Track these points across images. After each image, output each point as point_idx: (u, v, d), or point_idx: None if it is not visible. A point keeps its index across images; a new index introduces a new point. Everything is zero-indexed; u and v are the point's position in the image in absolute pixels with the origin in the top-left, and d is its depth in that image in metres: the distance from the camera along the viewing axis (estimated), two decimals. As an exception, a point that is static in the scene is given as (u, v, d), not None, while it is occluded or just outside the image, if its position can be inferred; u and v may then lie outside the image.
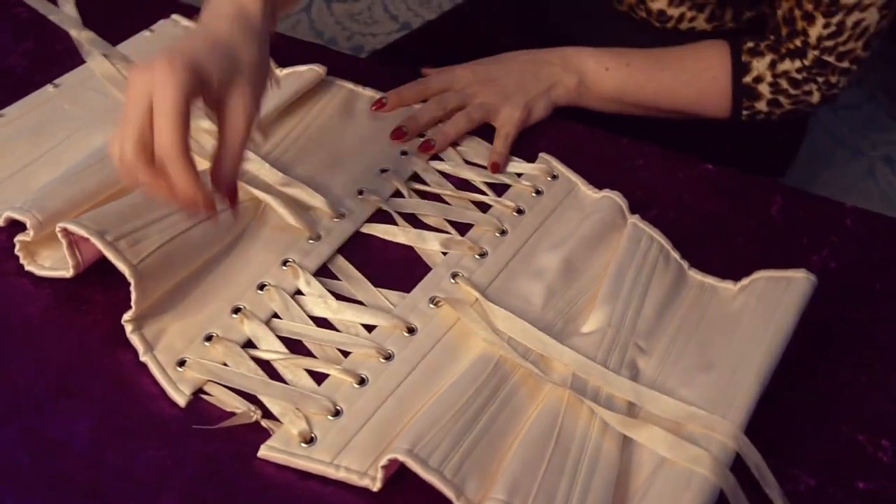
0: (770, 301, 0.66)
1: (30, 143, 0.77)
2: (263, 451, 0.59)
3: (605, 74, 0.85)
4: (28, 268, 0.68)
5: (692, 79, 0.86)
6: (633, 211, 0.76)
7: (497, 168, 0.79)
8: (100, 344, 0.64)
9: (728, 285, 0.71)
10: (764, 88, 0.85)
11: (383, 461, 0.56)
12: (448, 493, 0.54)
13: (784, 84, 0.85)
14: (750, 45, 0.86)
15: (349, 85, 0.85)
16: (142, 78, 0.56)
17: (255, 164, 0.75)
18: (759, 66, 0.85)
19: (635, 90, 0.86)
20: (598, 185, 0.78)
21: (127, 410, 0.61)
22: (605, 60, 0.86)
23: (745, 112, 0.87)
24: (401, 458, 0.55)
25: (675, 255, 0.73)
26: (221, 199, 0.61)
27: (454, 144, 0.81)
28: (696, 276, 0.72)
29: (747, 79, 0.85)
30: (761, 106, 0.86)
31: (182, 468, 0.58)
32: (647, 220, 0.74)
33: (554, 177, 0.79)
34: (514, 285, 0.69)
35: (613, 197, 0.76)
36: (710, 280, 0.72)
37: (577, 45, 0.87)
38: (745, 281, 0.71)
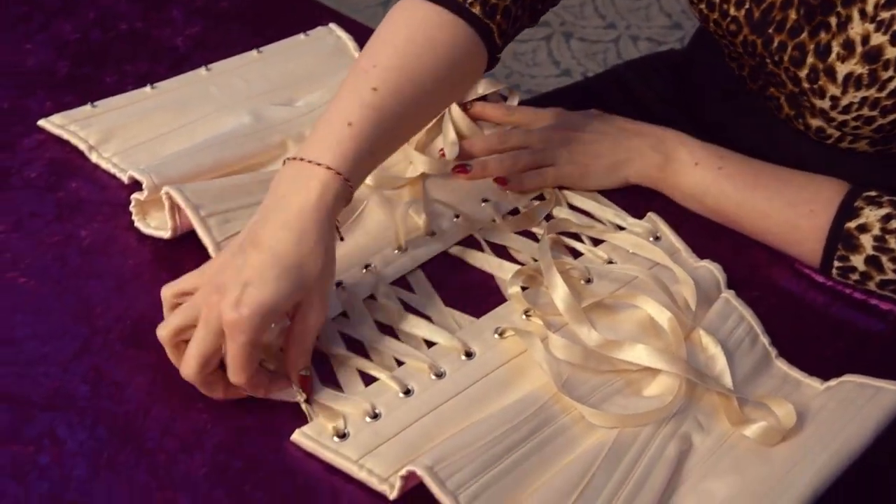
0: (850, 406, 0.64)
1: (171, 115, 0.85)
2: (296, 436, 0.62)
3: (691, 168, 0.78)
4: (137, 224, 0.75)
5: (786, 206, 0.75)
6: (732, 286, 0.75)
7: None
8: (178, 305, 0.70)
9: (814, 383, 0.69)
10: (867, 240, 0.71)
11: (403, 472, 0.57)
12: (458, 516, 0.55)
13: (893, 243, 0.71)
14: (872, 193, 0.73)
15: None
16: (212, 303, 0.59)
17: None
18: (871, 215, 0.72)
19: (717, 196, 0.77)
20: (701, 255, 0.77)
21: (184, 371, 0.65)
22: (699, 154, 0.79)
23: (836, 264, 0.73)
24: (419, 472, 0.56)
25: (764, 340, 0.71)
26: (296, 387, 0.63)
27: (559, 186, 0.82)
28: (781, 366, 0.70)
29: (850, 224, 0.72)
30: (858, 262, 0.72)
31: (215, 433, 0.62)
32: (745, 299, 0.73)
33: (657, 238, 0.79)
34: (584, 335, 0.69)
35: (711, 268, 0.75)
36: (795, 373, 0.70)
37: (726, 134, 0.84)
38: (832, 382, 0.68)
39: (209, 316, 0.59)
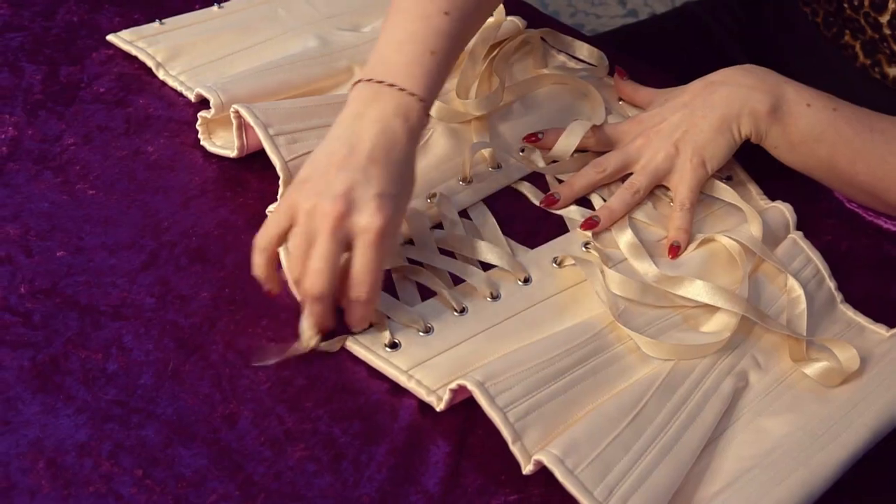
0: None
1: (238, 36, 0.86)
2: (349, 343, 0.63)
3: (803, 110, 0.72)
4: (203, 142, 0.77)
5: None
6: (802, 230, 0.75)
7: (676, 252, 0.71)
8: (243, 223, 0.71)
9: (879, 329, 0.69)
10: None
11: (453, 385, 0.59)
12: (506, 434, 0.57)
13: None
14: None
15: (563, 56, 0.89)
16: (339, 214, 0.59)
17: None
18: None
19: (834, 141, 0.71)
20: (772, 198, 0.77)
21: (248, 287, 0.66)
22: (807, 95, 0.73)
23: None
24: (470, 386, 0.58)
25: (831, 284, 0.71)
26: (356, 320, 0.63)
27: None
28: (846, 311, 0.70)
29: None
30: None
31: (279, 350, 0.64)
32: (816, 244, 0.73)
33: (728, 178, 0.79)
34: (643, 270, 0.69)
35: (782, 209, 0.75)
36: (860, 319, 0.70)
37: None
38: (897, 329, 0.68)
39: (336, 227, 0.59)
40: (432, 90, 0.65)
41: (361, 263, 0.60)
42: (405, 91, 0.63)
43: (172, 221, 0.71)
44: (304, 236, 0.60)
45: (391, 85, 0.63)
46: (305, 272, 0.60)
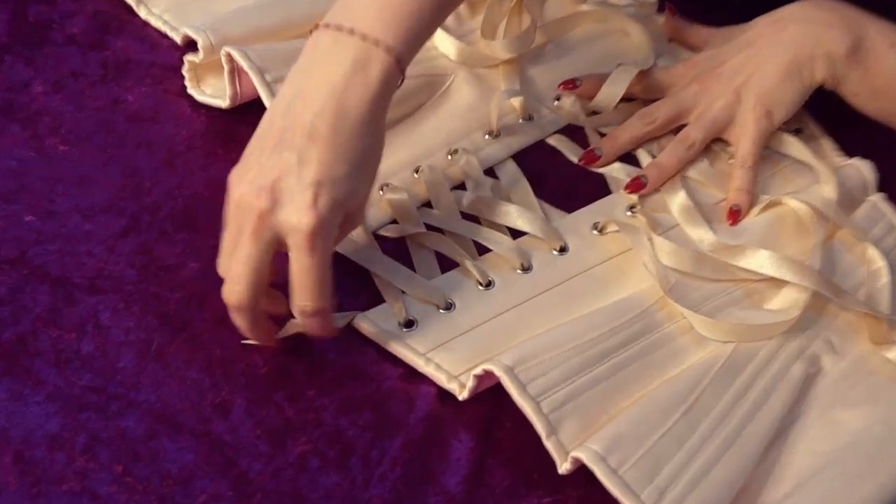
0: None
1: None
2: (358, 321, 0.63)
3: (889, 51, 0.71)
4: (190, 90, 0.76)
5: None
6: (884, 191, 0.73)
7: (737, 217, 0.70)
8: (236, 183, 0.71)
9: (969, 305, 0.67)
10: None
11: (478, 370, 0.58)
12: (539, 427, 0.56)
13: None
14: None
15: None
16: (263, 210, 0.54)
17: (442, 40, 0.78)
18: None
19: None
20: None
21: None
22: (892, 35, 0.71)
23: None
24: (497, 371, 0.57)
25: (918, 253, 0.70)
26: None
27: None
28: (933, 283, 0.69)
29: None
30: None
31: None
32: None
33: (797, 130, 0.77)
34: (698, 238, 0.69)
35: (860, 167, 0.74)
36: (949, 291, 0.68)
37: None
38: None
39: (258, 226, 0.55)
40: (410, 41, 0.59)
41: (297, 270, 0.56)
42: (369, 40, 0.57)
43: (156, 181, 0.71)
44: (233, 231, 0.57)
45: (351, 32, 0.57)
46: (225, 276, 0.57)
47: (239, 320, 0.58)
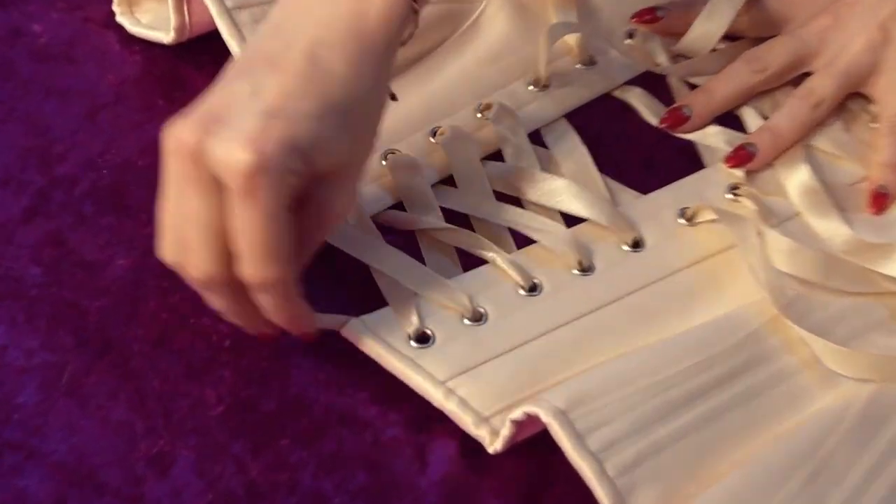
0: None
1: None
2: (351, 328, 0.62)
3: None
4: (120, 18, 0.76)
5: None
6: None
7: (883, 204, 0.71)
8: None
9: None
10: None
11: (517, 413, 0.57)
12: (601, 495, 0.55)
13: None
14: None
15: None
16: (205, 147, 0.54)
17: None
18: None
19: None
20: None
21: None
22: None
23: None
24: (544, 416, 0.56)
25: None
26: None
27: None
28: None
29: None
30: None
31: (239, 354, 0.63)
32: None
33: None
34: (827, 233, 0.69)
35: None
36: None
37: None
38: None
39: (197, 170, 0.55)
40: None
41: (237, 226, 0.56)
42: None
43: (71, 144, 0.71)
44: (171, 189, 0.57)
45: None
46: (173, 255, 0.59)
47: (215, 300, 0.59)
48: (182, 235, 0.57)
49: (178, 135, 0.55)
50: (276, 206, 0.55)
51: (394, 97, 0.66)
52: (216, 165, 0.54)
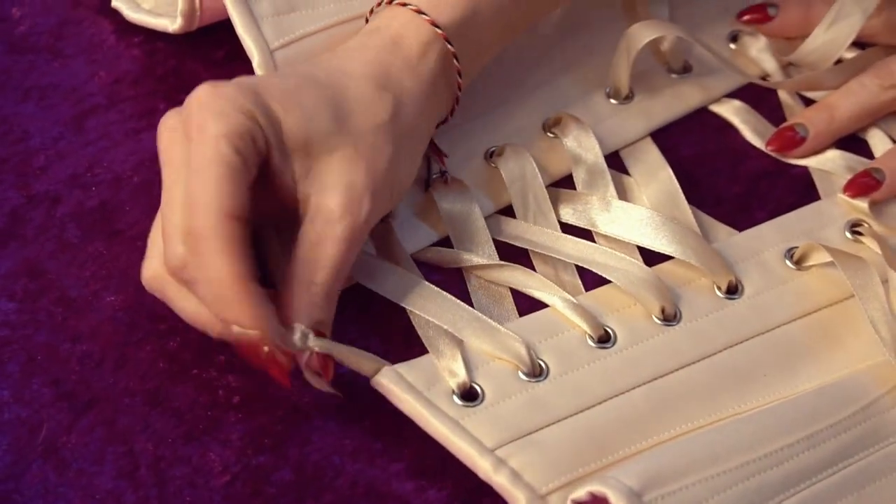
0: None
1: None
2: (383, 378, 0.62)
3: None
4: (116, 2, 0.77)
5: None
6: None
7: None
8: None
9: None
10: None
11: (581, 493, 0.57)
12: None
13: None
14: None
15: None
16: (178, 128, 0.61)
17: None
18: None
19: None
20: None
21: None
22: None
23: None
24: (613, 499, 0.56)
25: None
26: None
27: None
28: None
29: None
30: None
31: (249, 411, 0.64)
32: None
33: None
34: None
35: None
36: None
37: None
38: None
39: (171, 148, 0.62)
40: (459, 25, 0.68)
41: (191, 166, 0.60)
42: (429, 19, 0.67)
43: (53, 155, 0.72)
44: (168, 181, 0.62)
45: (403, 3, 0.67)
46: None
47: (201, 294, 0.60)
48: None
49: (169, 122, 0.61)
50: (223, 145, 0.59)
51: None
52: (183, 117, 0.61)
